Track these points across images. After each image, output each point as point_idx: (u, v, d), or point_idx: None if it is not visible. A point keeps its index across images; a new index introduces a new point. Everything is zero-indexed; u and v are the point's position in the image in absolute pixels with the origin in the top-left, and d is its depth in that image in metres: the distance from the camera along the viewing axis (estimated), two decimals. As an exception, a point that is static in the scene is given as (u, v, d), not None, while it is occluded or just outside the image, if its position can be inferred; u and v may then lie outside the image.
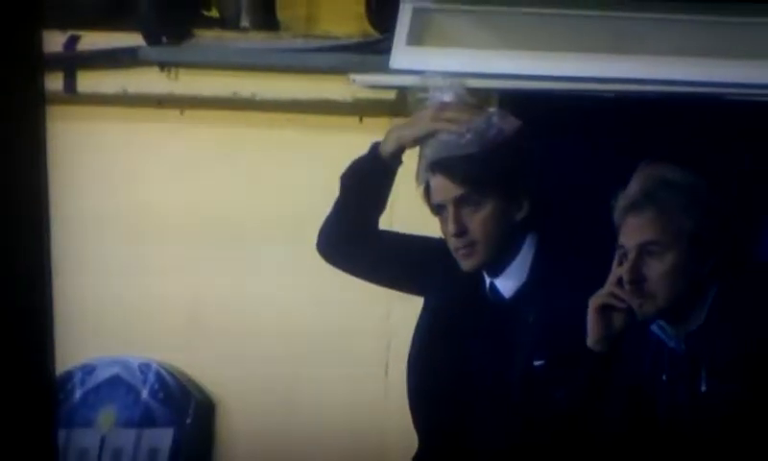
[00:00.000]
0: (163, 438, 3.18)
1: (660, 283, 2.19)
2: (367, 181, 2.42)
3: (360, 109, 3.22)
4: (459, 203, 2.39)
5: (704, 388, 2.20)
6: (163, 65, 3.30)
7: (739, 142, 2.79)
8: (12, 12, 1.14)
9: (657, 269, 2.19)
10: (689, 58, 2.72)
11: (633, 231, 2.21)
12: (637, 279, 2.19)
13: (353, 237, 2.43)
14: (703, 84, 2.70)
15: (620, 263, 2.23)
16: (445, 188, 2.40)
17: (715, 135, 2.73)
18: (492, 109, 2.51)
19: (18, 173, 1.15)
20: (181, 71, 3.31)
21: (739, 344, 2.18)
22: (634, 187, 2.25)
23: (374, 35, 3.25)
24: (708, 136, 2.69)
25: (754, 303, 2.19)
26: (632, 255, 2.20)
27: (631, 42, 2.77)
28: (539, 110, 2.68)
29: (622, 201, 2.25)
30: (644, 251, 2.20)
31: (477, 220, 2.38)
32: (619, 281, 2.21)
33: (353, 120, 3.25)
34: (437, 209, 2.43)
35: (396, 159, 2.45)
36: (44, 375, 1.16)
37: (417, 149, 2.45)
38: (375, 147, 2.47)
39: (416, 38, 3.06)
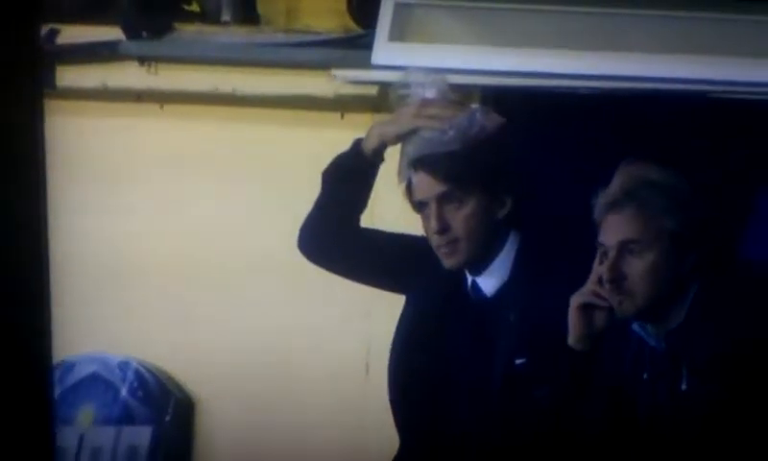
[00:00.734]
0: (142, 436, 3.15)
1: (641, 282, 2.17)
2: (349, 177, 2.40)
3: (341, 104, 3.20)
4: (441, 200, 2.37)
5: (684, 387, 2.18)
6: (143, 60, 3.27)
7: (723, 140, 2.78)
8: (12, 5, 1.13)
9: (637, 267, 2.18)
10: (672, 54, 2.71)
11: (613, 230, 2.20)
12: (617, 278, 2.18)
13: (334, 234, 2.40)
14: (686, 81, 2.69)
15: (601, 262, 2.22)
16: (428, 185, 2.38)
17: (699, 133, 2.71)
18: (474, 106, 2.49)
19: (17, 167, 1.15)
20: (161, 66, 3.29)
21: (720, 342, 2.17)
22: (615, 185, 2.23)
23: (356, 30, 3.23)
24: (692, 134, 2.67)
25: (735, 302, 2.18)
26: (612, 254, 2.19)
27: (613, 39, 2.75)
28: (521, 107, 2.66)
29: (603, 199, 2.24)
30: (625, 249, 2.19)
31: (460, 217, 2.36)
32: (600, 280, 2.20)
33: (335, 116, 3.23)
34: (419, 207, 2.41)
35: (378, 156, 2.42)
36: (41, 364, 1.17)
37: (399, 146, 2.42)
38: (357, 143, 2.44)
39: (398, 34, 3.04)
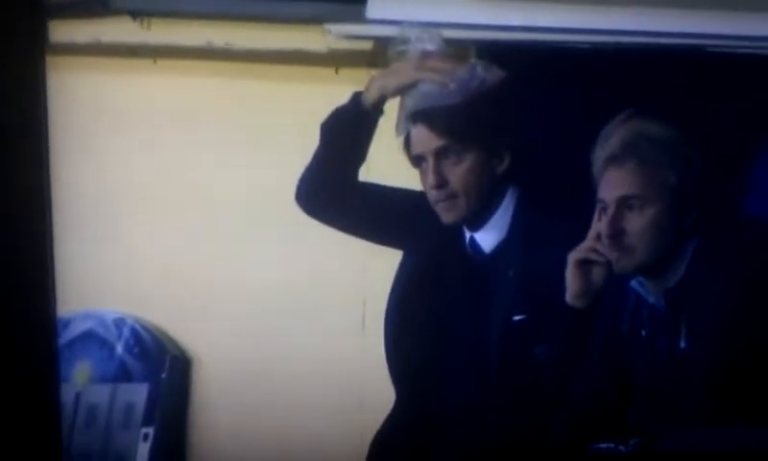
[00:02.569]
0: (138, 393, 3.12)
1: (640, 237, 2.14)
2: (348, 130, 2.34)
3: (336, 59, 3.16)
4: (439, 154, 2.33)
5: (683, 345, 2.14)
6: (136, 14, 3.22)
7: (723, 95, 2.72)
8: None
9: (637, 223, 2.14)
10: (672, 8, 2.65)
11: (613, 185, 2.15)
12: (617, 233, 2.14)
13: (332, 187, 2.35)
14: (686, 35, 2.64)
15: (600, 218, 2.17)
16: (426, 139, 2.34)
17: (698, 88, 2.66)
18: (475, 60, 2.44)
19: (20, 121, 1.12)
20: (154, 20, 3.26)
21: (720, 300, 2.13)
22: (614, 140, 2.18)
23: None
24: (692, 89, 2.63)
25: (735, 259, 2.14)
26: (611, 209, 2.15)
27: None
28: (518, 62, 2.60)
29: (602, 153, 2.19)
30: (624, 204, 2.15)
31: (458, 172, 2.32)
32: (599, 236, 2.16)
33: (329, 71, 3.19)
34: (417, 161, 2.37)
35: (377, 109, 2.37)
36: (45, 320, 1.16)
37: (397, 99, 2.38)
38: (357, 96, 2.39)
39: None
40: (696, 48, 2.63)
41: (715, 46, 2.62)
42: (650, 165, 2.13)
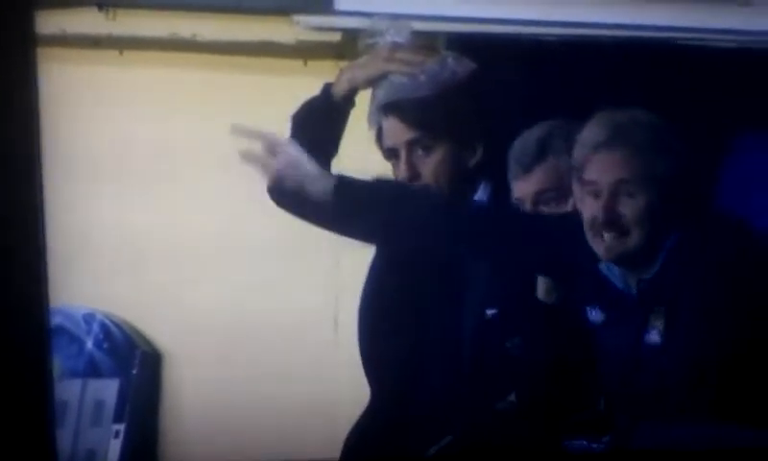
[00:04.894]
0: (109, 389, 3.03)
1: (634, 223, 2.09)
2: (319, 122, 2.29)
3: (304, 51, 3.10)
4: (411, 146, 2.28)
5: (657, 339, 2.09)
6: (101, 5, 3.17)
7: (695, 88, 2.68)
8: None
9: (631, 208, 2.09)
10: (644, 2, 2.60)
11: (606, 168, 2.10)
12: (613, 217, 2.08)
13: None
14: (658, 28, 2.59)
15: (588, 201, 2.11)
16: (398, 131, 2.29)
17: (672, 82, 2.62)
18: (446, 52, 2.39)
19: (9, 113, 1.07)
20: (120, 11, 3.18)
21: (696, 296, 2.09)
22: (601, 126, 2.12)
23: None
24: (664, 83, 2.58)
25: (712, 254, 2.10)
26: (605, 193, 2.09)
27: None
28: (488, 54, 2.54)
29: (588, 138, 2.13)
30: (619, 188, 2.09)
31: (429, 164, 2.27)
32: (593, 219, 2.09)
33: (298, 63, 3.12)
34: (389, 154, 2.32)
35: (348, 101, 2.32)
36: (38, 313, 1.10)
37: (369, 91, 2.32)
38: (327, 88, 2.34)
39: None
40: (668, 41, 2.59)
41: (688, 39, 2.58)
42: (643, 151, 2.09)
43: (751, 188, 2.39)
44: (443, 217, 2.20)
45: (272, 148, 2.27)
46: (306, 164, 2.23)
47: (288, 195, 2.31)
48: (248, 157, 2.29)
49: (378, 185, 2.26)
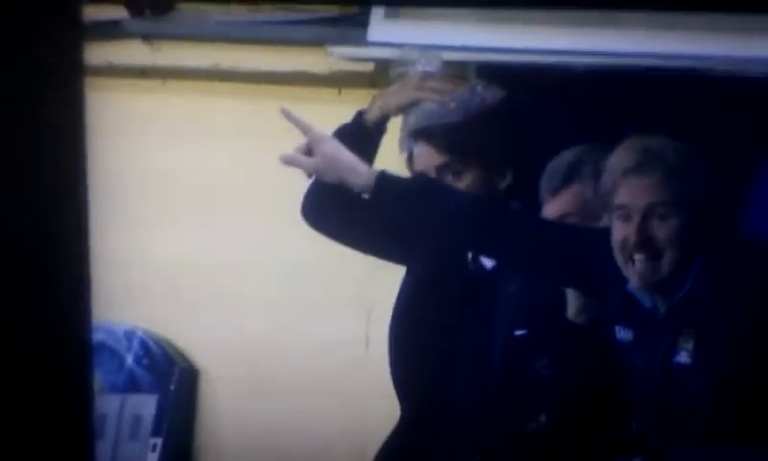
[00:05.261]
0: (147, 405, 3.05)
1: (666, 245, 2.06)
2: (352, 147, 2.27)
3: (338, 80, 3.11)
4: (441, 171, 2.27)
5: (688, 360, 2.07)
6: (146, 37, 3.19)
7: (720, 116, 2.68)
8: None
9: (663, 230, 2.07)
10: (669, 31, 2.61)
11: (638, 192, 2.08)
12: (646, 239, 2.06)
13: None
14: (684, 57, 2.60)
15: (621, 225, 2.08)
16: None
17: (696, 110, 2.62)
18: (475, 81, 2.41)
19: (59, 147, 1.11)
20: (164, 43, 3.21)
21: (726, 319, 2.05)
22: (636, 150, 2.10)
23: (353, 7, 3.13)
24: (688, 111, 2.58)
25: (740, 279, 2.06)
26: (638, 216, 2.07)
27: (609, 15, 2.65)
28: (516, 83, 2.55)
29: (620, 162, 2.11)
30: (652, 212, 2.08)
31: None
32: (625, 241, 2.07)
33: (332, 92, 3.15)
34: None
35: (379, 127, 2.32)
36: (80, 329, 1.13)
37: (401, 118, 2.33)
38: (360, 114, 2.34)
39: (393, 11, 2.93)
40: (694, 70, 2.60)
41: (712, 69, 2.59)
42: (675, 176, 2.07)
43: None
44: (479, 220, 2.17)
45: (309, 148, 2.25)
46: (346, 158, 2.21)
47: (323, 205, 2.30)
48: (286, 159, 2.26)
49: (419, 182, 2.24)
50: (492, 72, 2.70)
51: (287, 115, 2.28)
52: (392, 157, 2.33)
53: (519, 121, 2.32)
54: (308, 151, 2.24)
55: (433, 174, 2.28)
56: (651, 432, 2.09)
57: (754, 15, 2.46)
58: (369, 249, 2.39)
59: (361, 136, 2.31)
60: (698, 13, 2.51)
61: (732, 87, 2.60)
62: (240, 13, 3.19)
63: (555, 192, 2.25)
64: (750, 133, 2.63)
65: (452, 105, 2.26)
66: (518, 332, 2.23)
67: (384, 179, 2.18)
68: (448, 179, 2.27)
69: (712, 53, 2.56)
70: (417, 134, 2.30)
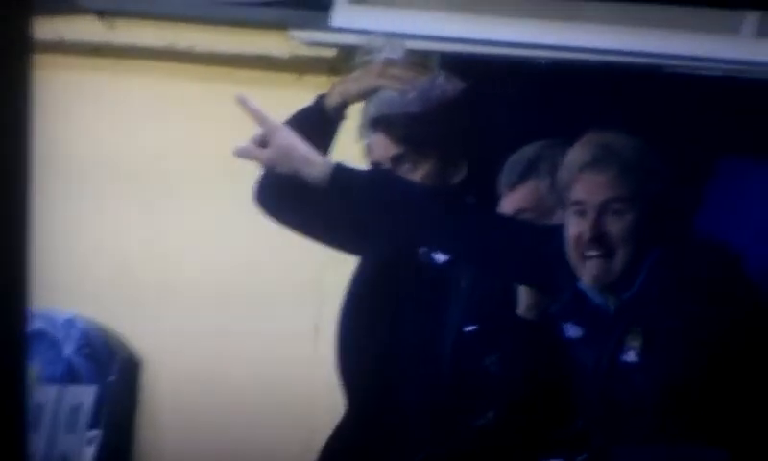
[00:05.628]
0: (86, 395, 3.08)
1: (620, 242, 2.12)
2: (310, 132, 2.30)
3: (299, 65, 3.14)
4: (396, 162, 2.32)
5: (636, 359, 2.12)
6: (100, 13, 3.21)
7: (679, 114, 2.77)
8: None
9: (617, 227, 2.13)
10: (629, 27, 2.70)
11: (594, 188, 2.14)
12: (600, 236, 2.12)
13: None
14: (643, 54, 2.68)
15: (575, 221, 2.14)
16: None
17: (653, 107, 2.71)
18: (437, 71, 2.44)
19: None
20: (119, 20, 3.21)
21: (675, 319, 2.11)
22: (593, 145, 2.16)
23: None
24: (646, 108, 2.67)
25: (692, 278, 2.12)
26: (593, 212, 2.13)
27: (572, 10, 2.74)
28: (480, 74, 2.64)
29: (577, 157, 2.16)
30: (607, 208, 2.13)
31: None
32: (579, 237, 2.13)
33: (292, 77, 3.19)
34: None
35: (339, 113, 2.36)
36: (17, 316, 1.16)
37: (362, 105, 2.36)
38: (320, 99, 2.38)
39: None
40: (655, 67, 2.68)
41: (673, 66, 2.68)
42: (631, 172, 2.13)
43: (731, 212, 2.48)
44: (433, 214, 2.21)
45: (262, 139, 2.27)
46: (302, 149, 2.23)
47: (277, 192, 2.32)
48: (240, 152, 2.28)
49: (375, 174, 2.28)
50: (456, 62, 2.77)
51: (242, 103, 2.30)
52: (352, 145, 2.36)
53: (478, 114, 2.35)
54: (263, 142, 2.26)
55: (388, 164, 2.32)
56: (596, 430, 2.14)
57: (713, 13, 2.56)
58: (322, 238, 2.42)
59: (320, 121, 2.34)
60: (659, 11, 2.60)
61: (692, 86, 2.68)
62: (199, -7, 3.24)
63: (512, 187, 2.32)
64: (707, 132, 2.73)
65: (412, 94, 2.31)
66: (469, 328, 2.28)
67: (340, 171, 2.21)
68: (404, 169, 2.31)
69: (673, 51, 2.65)
70: (374, 123, 2.34)
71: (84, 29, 3.26)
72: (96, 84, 3.32)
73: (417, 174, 2.32)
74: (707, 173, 2.51)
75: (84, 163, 3.29)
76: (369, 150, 2.37)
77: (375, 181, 2.26)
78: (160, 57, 3.26)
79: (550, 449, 2.18)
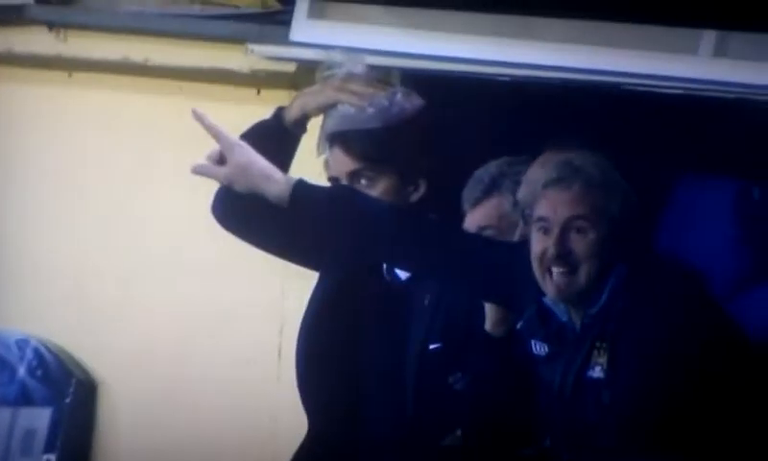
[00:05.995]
0: (41, 418, 3.06)
1: (584, 259, 2.21)
2: (269, 146, 2.37)
3: (258, 80, 3.18)
4: (353, 178, 2.39)
5: (602, 375, 2.21)
6: (52, 25, 3.24)
7: (638, 132, 2.91)
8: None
9: (581, 244, 2.22)
10: (588, 46, 2.78)
11: (559, 205, 2.23)
12: (564, 253, 2.21)
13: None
14: (601, 73, 2.79)
15: (540, 237, 2.23)
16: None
17: (613, 125, 2.84)
18: (396, 87, 2.52)
19: None
20: (71, 32, 3.24)
21: (640, 333, 2.20)
22: (558, 163, 2.25)
23: (275, 5, 3.18)
24: (606, 126, 2.79)
25: (656, 295, 2.22)
26: (557, 229, 2.22)
27: (532, 28, 2.80)
28: (438, 92, 2.65)
29: (540, 175, 2.25)
30: (571, 225, 2.23)
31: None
32: (543, 254, 2.22)
33: (251, 92, 3.20)
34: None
35: (299, 127, 2.43)
36: None
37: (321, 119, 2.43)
38: (279, 112, 2.45)
39: (317, 12, 3.00)
40: (615, 85, 2.81)
41: (632, 84, 2.81)
42: (595, 189, 2.23)
43: (689, 229, 2.62)
44: (396, 231, 2.28)
45: (220, 156, 2.31)
46: (260, 166, 2.28)
47: (235, 207, 2.37)
48: (197, 169, 2.32)
49: (336, 191, 2.34)
50: (416, 79, 2.84)
51: (199, 118, 2.34)
52: (312, 160, 2.43)
53: (437, 131, 2.44)
54: (220, 159, 2.31)
55: (345, 179, 2.39)
56: (563, 447, 2.23)
57: (671, 32, 2.71)
58: (282, 253, 2.48)
59: (280, 135, 2.41)
60: (618, 30, 2.74)
61: (652, 103, 2.81)
62: (154, 5, 3.22)
63: (475, 204, 2.38)
64: (665, 150, 2.88)
65: (370, 110, 2.39)
66: (433, 345, 2.35)
67: (300, 188, 2.27)
68: (361, 185, 2.38)
69: (631, 69, 2.79)
70: (332, 138, 2.41)
71: (34, 41, 3.30)
72: (48, 96, 3.37)
73: (374, 190, 2.39)
74: (664, 190, 2.64)
75: (37, 179, 3.35)
76: (327, 165, 2.44)
77: (336, 198, 2.32)
78: (114, 70, 3.32)
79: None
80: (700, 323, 2.22)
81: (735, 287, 2.49)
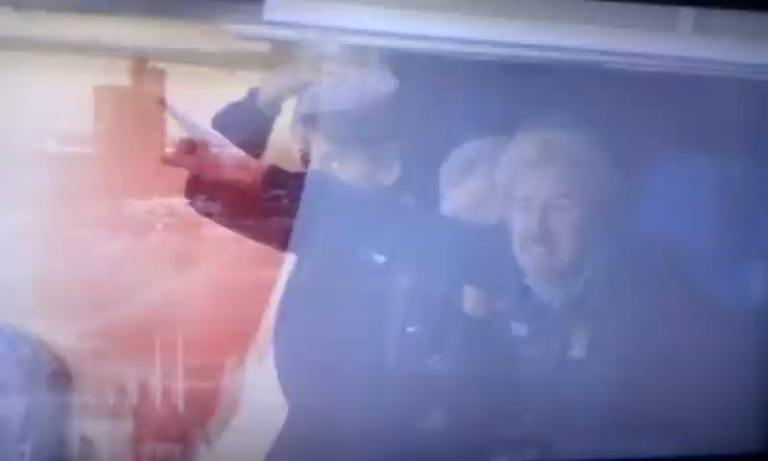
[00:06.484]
0: (14, 408, 3.18)
1: (565, 238, 2.31)
2: (242, 127, 2.44)
3: (232, 60, 3.18)
4: (326, 159, 2.46)
5: (582, 355, 2.32)
6: (16, 5, 3.29)
7: (617, 110, 3.04)
8: None
9: (563, 223, 2.31)
10: (568, 24, 2.86)
11: (540, 183, 2.32)
12: (546, 232, 2.30)
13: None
14: (582, 51, 2.84)
15: (521, 217, 2.32)
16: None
17: (592, 103, 2.97)
18: (370, 68, 2.62)
19: None
20: (38, 12, 3.27)
21: (621, 313, 2.31)
22: (539, 141, 2.33)
23: None
24: (586, 104, 2.92)
25: (637, 275, 2.32)
26: (538, 208, 2.31)
27: (509, 6, 2.90)
28: (418, 71, 2.75)
29: (521, 153, 2.34)
30: (552, 204, 2.32)
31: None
32: (524, 234, 2.32)
33: (223, 72, 3.12)
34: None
35: (273, 108, 2.49)
36: None
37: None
38: (252, 93, 2.52)
39: None
40: (597, 63, 2.91)
41: (616, 62, 2.91)
42: (576, 168, 2.32)
43: (669, 206, 2.76)
44: (372, 211, 2.37)
45: (190, 145, 2.43)
46: (231, 153, 2.37)
47: (208, 191, 2.47)
48: (167, 160, 2.43)
49: (310, 176, 2.41)
50: (392, 58, 2.85)
51: (167, 107, 2.48)
52: (286, 141, 2.49)
53: (413, 112, 2.53)
54: (190, 147, 2.44)
55: (318, 162, 2.46)
56: (543, 426, 2.34)
57: (649, 9, 2.83)
58: (257, 237, 2.57)
59: (253, 116, 2.48)
60: (596, 7, 2.86)
61: (635, 82, 2.84)
62: (123, -17, 3.41)
63: (453, 186, 2.49)
64: (648, 127, 3.02)
65: (344, 91, 2.48)
66: (411, 328, 2.46)
67: (273, 175, 2.37)
68: (333, 167, 2.46)
69: (610, 47, 2.92)
70: (305, 119, 2.49)
71: (2, 23, 3.38)
72: (12, 80, 3.45)
73: (347, 172, 2.47)
74: (645, 169, 2.78)
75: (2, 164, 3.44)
76: (299, 147, 2.52)
77: (310, 183, 2.42)
78: (84, 51, 3.38)
79: (499, 448, 2.35)
80: (681, 303, 2.33)
81: (716, 266, 2.59)
